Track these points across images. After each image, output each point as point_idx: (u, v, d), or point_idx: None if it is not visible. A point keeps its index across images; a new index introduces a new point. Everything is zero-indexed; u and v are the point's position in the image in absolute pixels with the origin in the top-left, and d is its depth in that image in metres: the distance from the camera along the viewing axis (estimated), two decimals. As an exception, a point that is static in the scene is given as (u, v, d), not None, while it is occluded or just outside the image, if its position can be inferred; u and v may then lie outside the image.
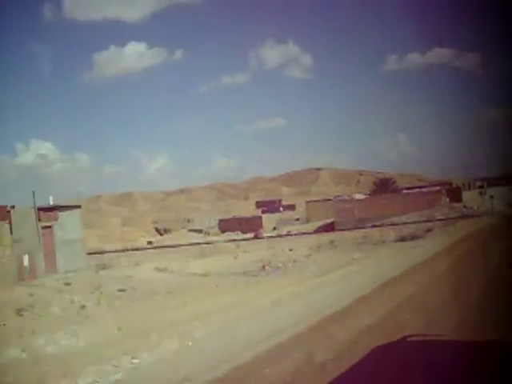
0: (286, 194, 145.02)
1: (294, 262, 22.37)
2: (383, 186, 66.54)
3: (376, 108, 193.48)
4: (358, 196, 60.88)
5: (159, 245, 52.75)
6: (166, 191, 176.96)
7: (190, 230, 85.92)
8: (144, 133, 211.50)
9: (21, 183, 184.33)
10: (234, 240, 41.29)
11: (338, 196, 70.08)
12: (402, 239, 33.04)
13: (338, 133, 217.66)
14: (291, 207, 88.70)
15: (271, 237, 55.49)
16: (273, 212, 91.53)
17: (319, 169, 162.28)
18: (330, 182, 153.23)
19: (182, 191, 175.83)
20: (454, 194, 57.41)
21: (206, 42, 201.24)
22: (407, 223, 42.59)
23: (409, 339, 6.73)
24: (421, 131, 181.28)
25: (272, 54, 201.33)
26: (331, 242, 35.95)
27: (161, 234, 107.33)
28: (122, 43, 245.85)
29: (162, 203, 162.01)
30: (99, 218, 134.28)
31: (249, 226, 74.41)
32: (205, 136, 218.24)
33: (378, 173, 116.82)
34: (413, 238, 32.58)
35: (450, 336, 6.84)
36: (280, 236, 54.68)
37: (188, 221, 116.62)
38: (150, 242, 77.68)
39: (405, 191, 62.14)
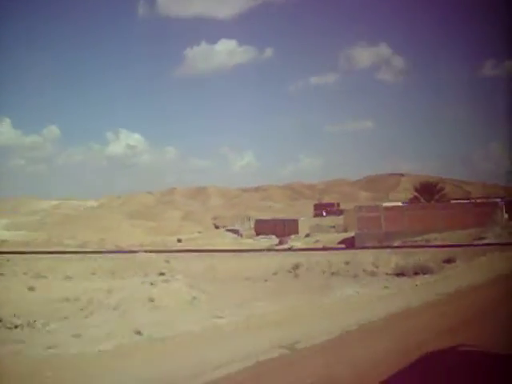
0: (363, 199, 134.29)
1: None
2: (426, 193, 52.71)
3: (468, 114, 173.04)
4: (387, 203, 50.23)
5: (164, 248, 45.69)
6: (242, 188, 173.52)
7: (228, 230, 79.52)
8: (231, 130, 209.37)
9: (111, 172, 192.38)
10: (164, 251, 33.67)
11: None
12: (401, 273, 22.95)
13: (425, 138, 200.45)
14: (342, 212, 78.87)
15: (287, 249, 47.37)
16: (326, 215, 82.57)
17: (402, 174, 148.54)
18: (411, 188, 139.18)
19: (257, 189, 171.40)
20: (517, 209, 44.02)
21: (295, 41, 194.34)
22: (426, 246, 32.37)
23: (459, 348, 6.18)
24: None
25: (363, 55, 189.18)
26: (296, 267, 26.88)
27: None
28: (212, 40, 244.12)
29: (235, 200, 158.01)
30: (164, 211, 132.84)
31: (284, 229, 66.57)
32: (291, 135, 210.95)
33: (461, 181, 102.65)
34: (417, 272, 21.58)
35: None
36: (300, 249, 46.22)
37: (249, 219, 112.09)
38: (179, 240, 72.72)
39: (452, 201, 49.75)
